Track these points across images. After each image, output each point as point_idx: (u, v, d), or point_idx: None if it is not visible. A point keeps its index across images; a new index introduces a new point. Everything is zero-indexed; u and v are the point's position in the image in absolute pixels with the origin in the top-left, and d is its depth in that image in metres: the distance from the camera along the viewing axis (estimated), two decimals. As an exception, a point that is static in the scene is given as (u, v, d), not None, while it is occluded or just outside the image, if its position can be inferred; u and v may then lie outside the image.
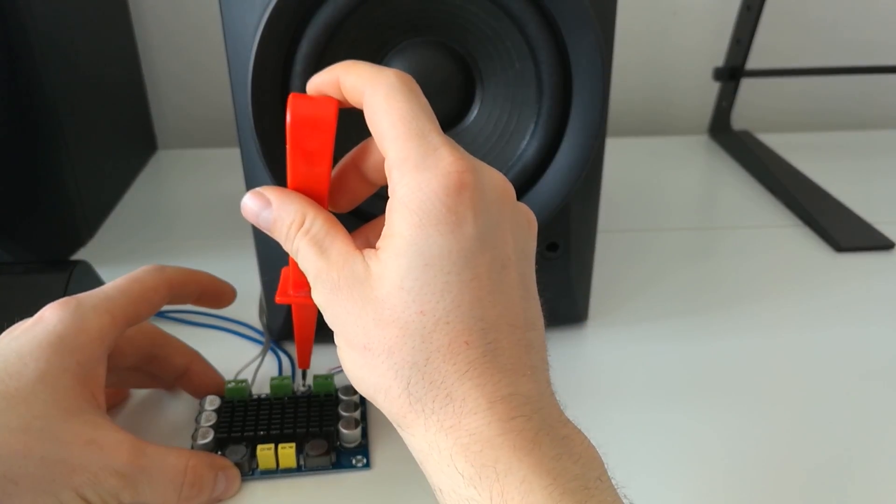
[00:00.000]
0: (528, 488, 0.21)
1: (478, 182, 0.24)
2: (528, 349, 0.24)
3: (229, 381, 0.37)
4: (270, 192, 0.27)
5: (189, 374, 0.37)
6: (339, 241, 0.25)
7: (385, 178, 0.25)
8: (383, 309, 0.23)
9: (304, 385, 0.37)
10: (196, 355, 0.37)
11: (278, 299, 0.30)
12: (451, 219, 0.23)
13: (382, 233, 0.24)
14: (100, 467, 0.28)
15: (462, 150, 0.24)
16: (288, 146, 0.26)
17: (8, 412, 0.27)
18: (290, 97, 0.26)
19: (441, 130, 0.24)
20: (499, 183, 0.25)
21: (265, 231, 0.27)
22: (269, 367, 0.41)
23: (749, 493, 0.30)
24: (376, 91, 0.24)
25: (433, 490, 0.24)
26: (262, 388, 0.38)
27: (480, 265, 0.23)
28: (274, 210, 0.27)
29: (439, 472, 0.23)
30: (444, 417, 0.23)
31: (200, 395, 0.37)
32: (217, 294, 0.36)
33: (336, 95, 0.26)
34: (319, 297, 0.25)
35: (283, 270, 0.31)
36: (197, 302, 0.36)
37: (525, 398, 0.23)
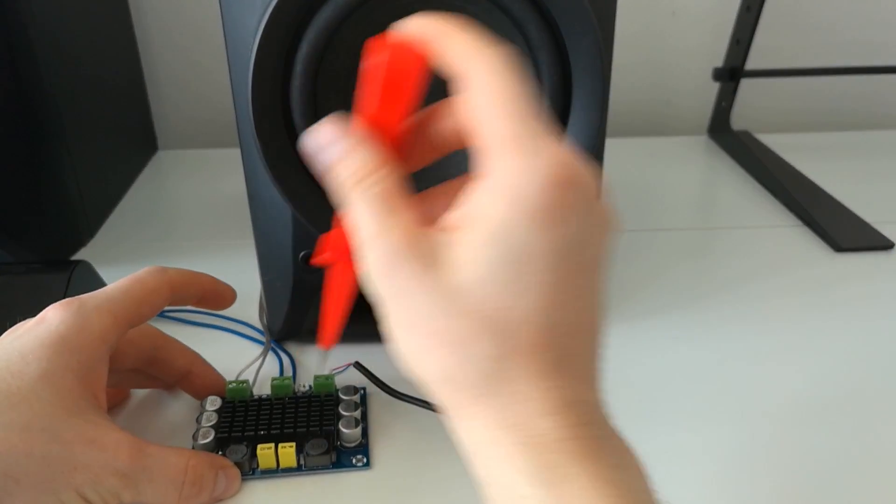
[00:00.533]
0: (589, 496, 0.21)
1: (581, 178, 0.22)
2: (596, 356, 0.24)
3: (230, 382, 0.37)
4: (352, 128, 0.24)
5: (190, 377, 0.37)
6: (410, 209, 0.23)
7: (452, 146, 0.24)
8: (460, 298, 0.22)
9: (304, 385, 0.38)
10: (197, 357, 0.37)
11: (315, 260, 0.27)
12: (550, 215, 0.21)
13: (463, 212, 0.22)
14: (100, 467, 0.28)
15: (563, 139, 0.22)
16: (370, 95, 0.23)
17: (10, 411, 0.27)
18: (388, 39, 0.23)
19: (544, 118, 0.22)
20: (593, 180, 0.23)
21: (321, 168, 0.24)
22: (271, 367, 0.41)
23: (747, 490, 0.30)
24: (480, 65, 0.22)
25: (479, 482, 0.23)
26: (262, 388, 0.38)
27: (569, 267, 0.22)
28: (348, 146, 0.24)
29: (494, 466, 0.22)
30: (509, 415, 0.22)
31: (201, 396, 0.37)
32: (217, 296, 0.36)
33: (421, 52, 0.23)
34: (372, 265, 0.23)
35: (322, 237, 0.27)
36: (197, 304, 0.36)
37: (590, 406, 0.23)
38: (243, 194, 0.39)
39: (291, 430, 0.35)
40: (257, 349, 0.42)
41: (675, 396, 0.39)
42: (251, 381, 0.38)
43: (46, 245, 0.52)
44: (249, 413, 0.36)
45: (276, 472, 0.34)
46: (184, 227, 0.58)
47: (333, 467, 0.34)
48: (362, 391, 0.38)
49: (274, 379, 0.37)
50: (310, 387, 0.37)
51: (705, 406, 0.38)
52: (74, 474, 0.27)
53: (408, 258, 0.22)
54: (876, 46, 0.76)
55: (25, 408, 0.27)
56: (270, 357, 0.41)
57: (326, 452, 0.34)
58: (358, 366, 0.38)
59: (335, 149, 0.24)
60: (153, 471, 0.29)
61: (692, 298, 0.48)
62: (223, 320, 0.44)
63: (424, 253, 0.22)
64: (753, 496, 0.28)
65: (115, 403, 0.38)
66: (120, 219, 0.59)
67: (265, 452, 0.33)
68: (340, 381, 0.38)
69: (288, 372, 0.40)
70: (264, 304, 0.42)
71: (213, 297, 0.36)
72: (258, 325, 0.44)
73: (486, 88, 0.22)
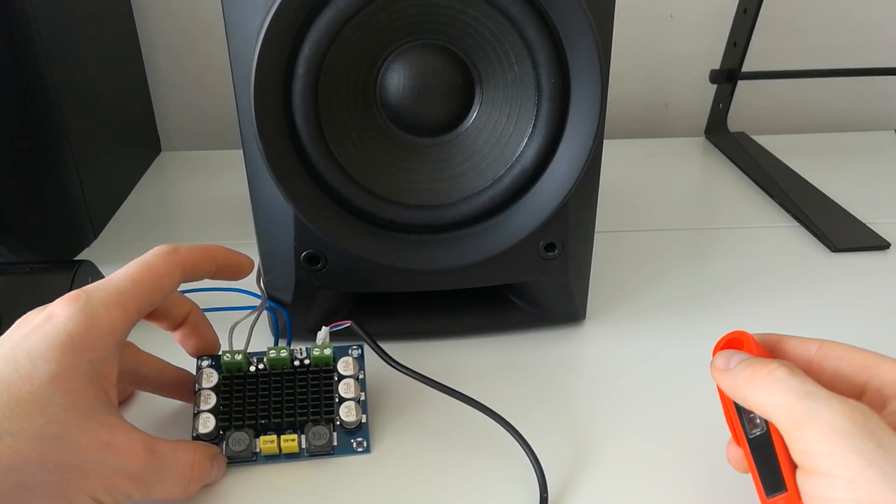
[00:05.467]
0: None
1: None
2: None
3: (226, 352, 0.36)
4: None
5: (186, 325, 0.36)
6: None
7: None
8: None
9: (301, 351, 0.37)
10: (195, 306, 0.36)
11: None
12: None
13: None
14: (114, 472, 0.28)
15: None
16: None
17: (21, 419, 0.26)
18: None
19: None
20: None
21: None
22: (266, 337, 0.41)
23: (748, 490, 0.30)
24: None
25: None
26: (256, 345, 0.38)
27: None
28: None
29: None
30: None
31: (197, 347, 0.36)
32: (234, 267, 0.36)
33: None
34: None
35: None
36: (213, 277, 0.35)
37: None
38: (246, 195, 0.39)
39: (292, 419, 0.35)
40: (256, 338, 0.41)
41: (672, 395, 0.39)
42: (245, 340, 0.38)
43: (50, 245, 0.52)
44: (248, 393, 0.35)
45: (279, 457, 0.34)
46: (187, 228, 0.59)
47: (335, 453, 0.35)
48: (361, 374, 0.37)
49: (270, 349, 0.36)
50: (307, 351, 0.37)
51: (702, 405, 0.38)
52: (88, 480, 0.27)
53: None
54: (870, 48, 0.77)
55: (38, 415, 0.26)
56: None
57: (328, 439, 0.34)
58: (355, 326, 0.38)
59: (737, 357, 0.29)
60: (164, 471, 0.30)
61: (689, 298, 0.48)
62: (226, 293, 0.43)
63: None
64: (751, 495, 0.29)
65: (122, 399, 0.38)
66: (123, 219, 0.59)
67: (268, 446, 0.34)
68: (337, 352, 0.37)
69: (283, 329, 0.41)
70: (261, 270, 0.42)
71: (229, 269, 0.36)
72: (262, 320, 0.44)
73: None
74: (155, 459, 0.29)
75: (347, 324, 0.38)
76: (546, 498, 0.32)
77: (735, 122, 0.72)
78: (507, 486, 0.33)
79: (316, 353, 0.36)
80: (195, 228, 0.58)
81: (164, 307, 0.35)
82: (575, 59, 0.36)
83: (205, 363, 0.36)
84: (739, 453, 0.30)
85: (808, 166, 0.64)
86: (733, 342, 0.31)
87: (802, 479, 0.26)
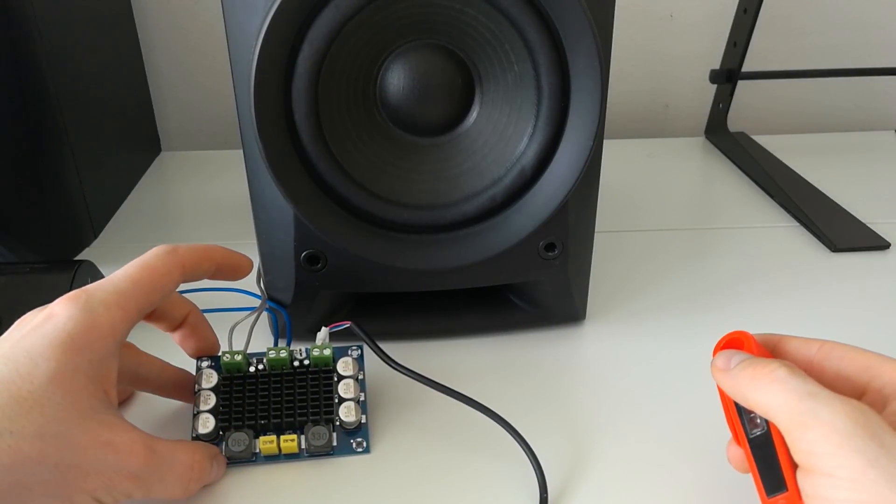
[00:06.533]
0: None
1: None
2: None
3: (225, 352, 0.36)
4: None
5: (186, 325, 0.36)
6: None
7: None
8: None
9: (301, 351, 0.37)
10: (194, 307, 0.36)
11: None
12: None
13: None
14: (115, 471, 0.28)
15: None
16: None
17: (21, 418, 0.26)
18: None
19: None
20: None
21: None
22: (266, 338, 0.42)
23: (748, 490, 0.30)
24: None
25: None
26: (256, 345, 0.39)
27: None
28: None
29: None
30: None
31: (196, 348, 0.36)
32: (233, 268, 0.36)
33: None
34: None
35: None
36: (213, 278, 0.35)
37: None
38: (246, 195, 0.39)
39: (292, 419, 0.35)
40: (256, 338, 0.41)
41: (672, 395, 0.39)
42: (245, 341, 0.38)
43: (50, 245, 0.52)
44: (248, 393, 0.35)
45: (278, 457, 0.34)
46: (187, 228, 0.59)
47: (334, 454, 0.35)
48: (360, 374, 0.37)
49: (270, 349, 0.36)
50: (306, 352, 0.37)
51: (702, 405, 0.38)
52: (87, 480, 0.27)
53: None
54: (870, 48, 0.77)
55: (38, 414, 0.26)
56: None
57: (328, 440, 0.34)
58: (355, 326, 0.38)
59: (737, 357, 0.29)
60: (164, 471, 0.30)
61: (689, 298, 0.48)
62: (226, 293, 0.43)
63: None
64: (752, 495, 0.29)
65: (121, 399, 0.38)
66: (123, 219, 0.59)
67: (268, 446, 0.34)
68: (336, 353, 0.37)
69: (283, 330, 0.41)
70: (261, 270, 0.42)
71: (228, 269, 0.36)
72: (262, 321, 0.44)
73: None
74: (155, 459, 0.29)
75: (347, 324, 0.38)
76: (546, 498, 0.32)
77: (735, 122, 0.72)
78: (507, 486, 0.33)
79: (316, 353, 0.36)
80: (195, 228, 0.58)
81: (163, 308, 0.35)
82: (575, 59, 0.36)
83: (204, 363, 0.36)
84: (740, 453, 0.30)
85: (808, 166, 0.64)
86: (734, 342, 0.31)
87: (803, 479, 0.26)
